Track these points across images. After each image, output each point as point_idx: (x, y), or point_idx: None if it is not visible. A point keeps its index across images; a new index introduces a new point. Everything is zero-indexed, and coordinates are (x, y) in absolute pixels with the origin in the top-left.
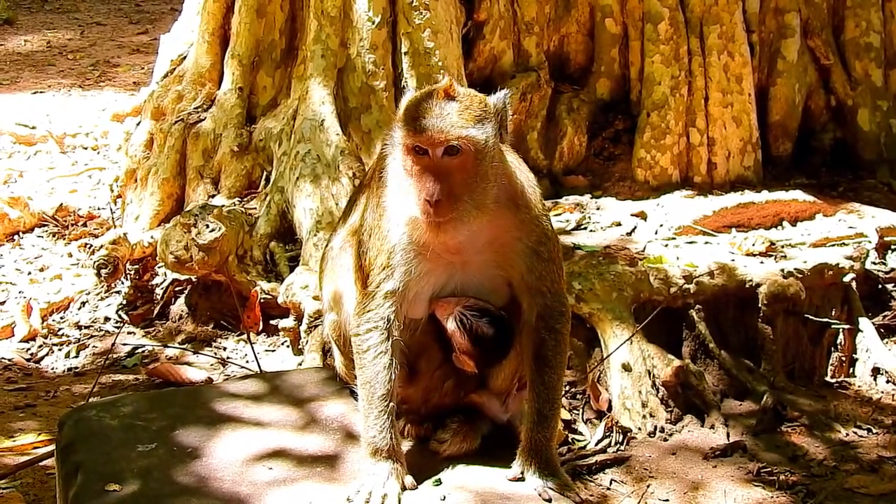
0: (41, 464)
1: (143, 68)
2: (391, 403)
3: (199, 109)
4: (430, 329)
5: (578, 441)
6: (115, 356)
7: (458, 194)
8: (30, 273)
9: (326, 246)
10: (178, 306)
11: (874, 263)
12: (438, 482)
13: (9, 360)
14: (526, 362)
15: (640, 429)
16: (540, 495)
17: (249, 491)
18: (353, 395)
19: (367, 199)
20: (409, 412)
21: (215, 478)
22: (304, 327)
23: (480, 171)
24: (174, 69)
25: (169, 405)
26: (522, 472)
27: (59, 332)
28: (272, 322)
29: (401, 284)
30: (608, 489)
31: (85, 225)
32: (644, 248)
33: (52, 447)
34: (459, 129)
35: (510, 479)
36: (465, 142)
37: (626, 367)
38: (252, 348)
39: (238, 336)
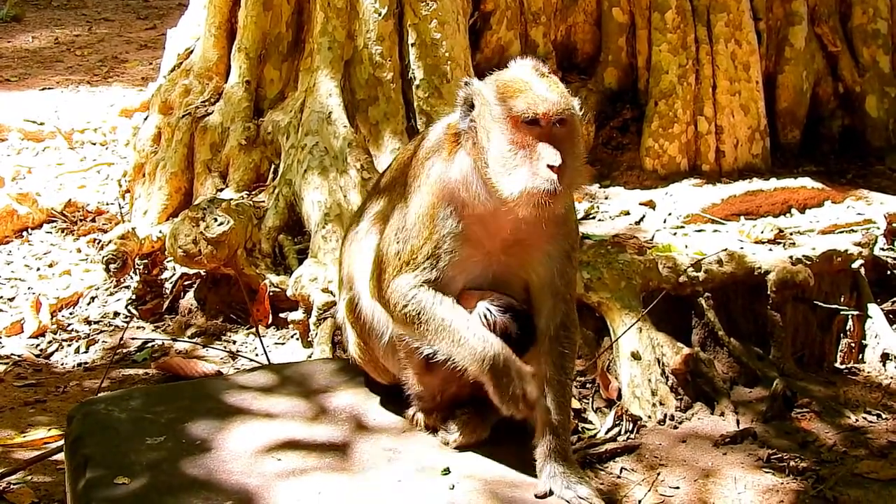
0: (51, 459)
1: (151, 64)
2: (475, 319)
3: (207, 103)
4: None
5: (588, 430)
6: (125, 351)
7: (568, 164)
8: (39, 269)
9: (350, 229)
10: (188, 300)
11: (883, 250)
12: (447, 471)
13: (18, 356)
14: (542, 372)
15: (649, 417)
16: None
17: (258, 482)
18: (367, 383)
19: (407, 188)
20: (423, 399)
21: (224, 470)
22: (313, 320)
23: (579, 145)
24: (181, 63)
25: (177, 398)
26: (550, 489)
27: (69, 328)
28: (281, 315)
29: (441, 274)
30: (619, 477)
31: (93, 220)
32: (653, 236)
33: (61, 442)
34: (568, 100)
35: (538, 496)
36: (571, 112)
37: (636, 356)
38: (261, 340)
39: (247, 329)
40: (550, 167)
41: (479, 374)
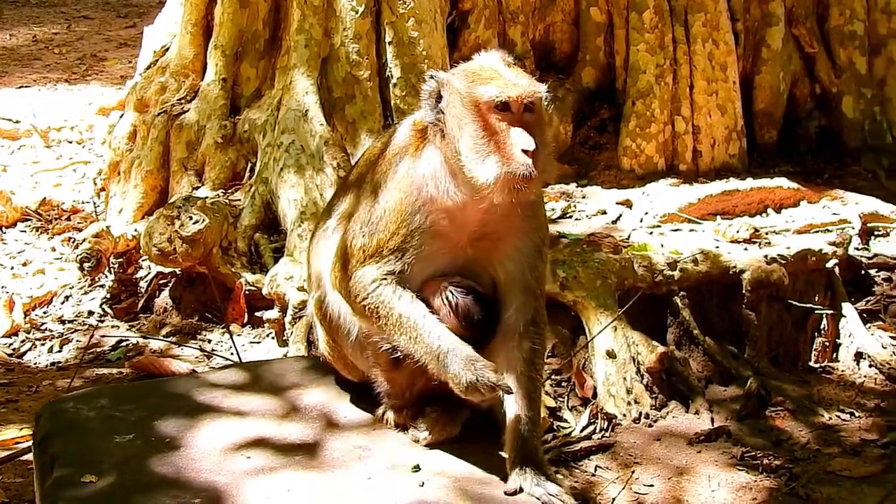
0: (22, 458)
1: (130, 62)
2: (436, 317)
3: (183, 101)
4: None
5: (564, 428)
6: (99, 350)
7: (539, 150)
8: (13, 268)
9: (318, 227)
10: (163, 299)
11: (857, 249)
12: (417, 468)
13: None
14: (511, 371)
15: (624, 415)
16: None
17: (228, 480)
18: (337, 381)
19: (375, 184)
20: (391, 396)
21: (193, 468)
22: (288, 318)
23: (547, 133)
24: (157, 61)
25: (147, 396)
26: (520, 486)
27: (42, 327)
28: (257, 314)
29: (406, 266)
30: (593, 475)
31: (69, 219)
32: (629, 235)
33: (30, 441)
34: (537, 86)
35: (508, 494)
36: (540, 98)
37: (611, 354)
38: (232, 339)
39: (223, 328)
40: (525, 151)
41: (437, 370)
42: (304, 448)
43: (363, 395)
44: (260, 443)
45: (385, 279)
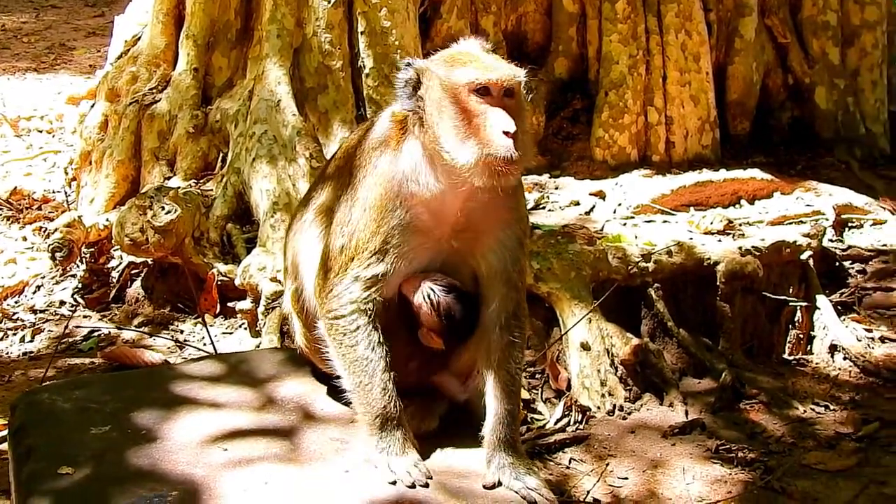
0: None
1: (99, 51)
2: (391, 374)
3: (154, 91)
4: (396, 308)
5: (538, 420)
6: (71, 340)
7: (519, 135)
8: None
9: (295, 218)
10: (135, 289)
11: (831, 241)
12: None
13: None
14: (491, 364)
15: (599, 407)
16: (524, 498)
17: (204, 472)
18: (314, 373)
19: (353, 179)
20: None
21: (170, 460)
22: (261, 309)
23: (527, 119)
24: (128, 50)
25: (123, 387)
26: (498, 480)
27: (14, 317)
28: (229, 304)
29: (392, 268)
30: (568, 468)
31: (40, 208)
32: (603, 227)
33: (5, 432)
34: (517, 71)
35: (486, 487)
36: (519, 84)
37: (585, 346)
38: (207, 330)
39: (195, 319)
40: (506, 133)
41: (366, 421)
42: (280, 440)
43: (340, 387)
44: (237, 435)
45: (363, 312)
